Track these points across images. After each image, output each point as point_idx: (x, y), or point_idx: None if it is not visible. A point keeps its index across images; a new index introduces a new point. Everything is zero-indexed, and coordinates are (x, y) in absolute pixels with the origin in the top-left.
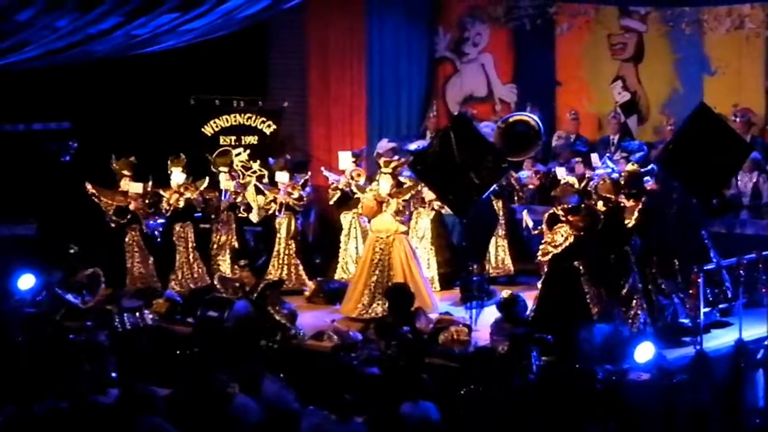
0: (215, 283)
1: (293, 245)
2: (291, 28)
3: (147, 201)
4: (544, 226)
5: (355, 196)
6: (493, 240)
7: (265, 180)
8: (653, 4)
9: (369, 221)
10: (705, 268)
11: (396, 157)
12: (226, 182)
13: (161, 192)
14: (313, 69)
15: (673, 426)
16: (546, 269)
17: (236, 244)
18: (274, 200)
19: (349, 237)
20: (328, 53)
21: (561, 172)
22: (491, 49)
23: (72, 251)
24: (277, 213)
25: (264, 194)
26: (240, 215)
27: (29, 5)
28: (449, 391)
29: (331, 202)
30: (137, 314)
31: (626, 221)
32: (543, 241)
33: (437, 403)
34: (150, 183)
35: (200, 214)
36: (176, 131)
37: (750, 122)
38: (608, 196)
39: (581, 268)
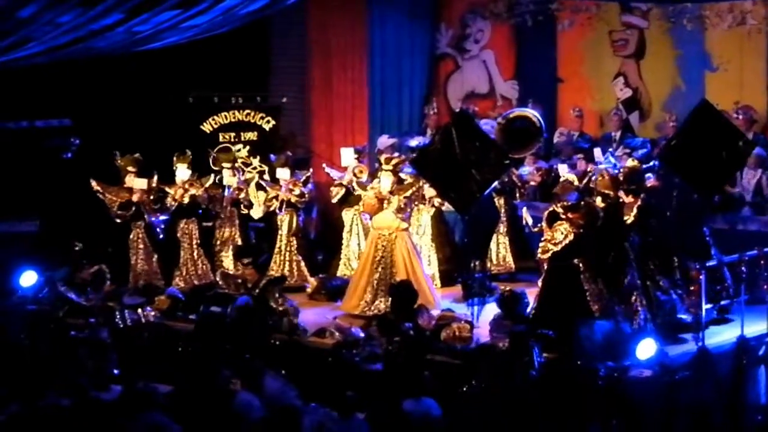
0: (217, 279)
1: (295, 242)
2: (292, 25)
3: (152, 197)
4: (543, 224)
5: (356, 193)
6: (494, 237)
7: (266, 176)
8: (655, 0)
9: (370, 218)
10: (707, 264)
11: (396, 154)
12: (229, 178)
13: (166, 189)
14: (314, 65)
15: (675, 423)
16: (546, 267)
17: (239, 241)
18: (276, 197)
19: (351, 234)
20: (330, 50)
21: (563, 169)
22: (493, 45)
23: (76, 248)
24: (278, 210)
25: (266, 190)
26: (242, 212)
27: (32, 2)
28: (451, 387)
29: (334, 200)
30: (139, 311)
31: (625, 217)
32: (543, 239)
33: (439, 400)
34: (155, 178)
35: (203, 211)
36: (176, 128)
37: (752, 119)
38: (607, 192)
39: (581, 265)
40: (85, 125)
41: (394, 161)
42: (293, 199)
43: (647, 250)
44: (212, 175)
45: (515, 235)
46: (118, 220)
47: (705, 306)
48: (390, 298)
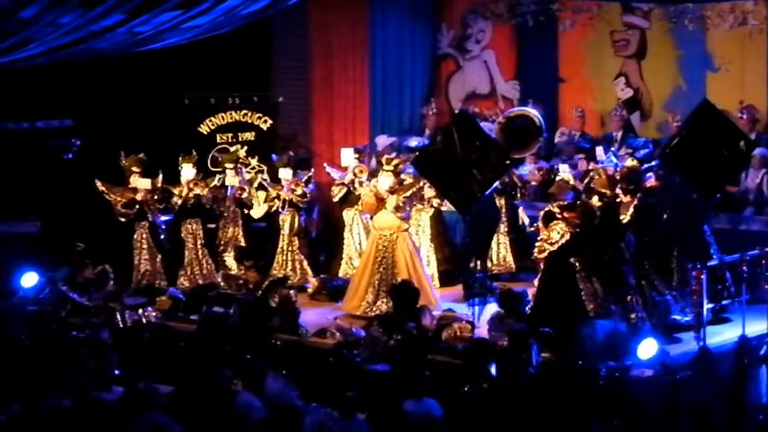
0: (219, 280)
1: (296, 242)
2: (294, 25)
3: (156, 197)
4: (540, 224)
5: (357, 193)
6: (495, 237)
7: (264, 175)
8: (656, 0)
9: (371, 218)
10: (708, 264)
11: (394, 154)
12: (231, 179)
13: (171, 189)
14: (315, 65)
15: (676, 422)
16: (542, 266)
17: (243, 241)
18: (278, 197)
19: (351, 233)
20: (331, 50)
21: (564, 169)
22: (494, 45)
23: (78, 248)
24: (280, 210)
25: (267, 190)
26: (246, 212)
27: (33, 2)
28: (452, 388)
29: (335, 200)
30: (140, 311)
31: (621, 217)
32: (539, 239)
33: (440, 400)
34: (160, 178)
35: (207, 212)
36: (174, 129)
37: (755, 119)
38: (604, 191)
39: (577, 264)
40: (86, 126)
41: (395, 161)
42: (295, 199)
43: (643, 250)
44: (217, 176)
45: (516, 235)
46: (123, 220)
47: (707, 305)
48: (391, 300)
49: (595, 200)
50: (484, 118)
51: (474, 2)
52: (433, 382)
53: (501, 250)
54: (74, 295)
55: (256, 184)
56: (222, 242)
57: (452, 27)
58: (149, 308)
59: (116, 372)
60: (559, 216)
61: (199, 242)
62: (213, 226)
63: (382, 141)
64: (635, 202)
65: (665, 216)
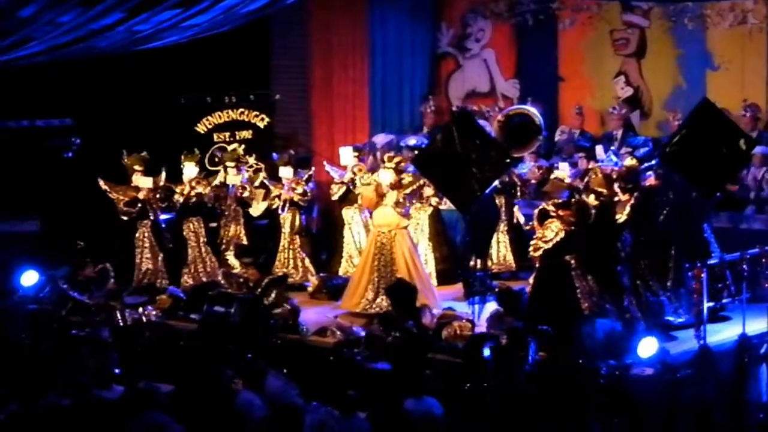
0: (219, 278)
1: (298, 240)
2: (293, 24)
3: (158, 195)
4: (534, 222)
5: (357, 191)
6: (495, 236)
7: (262, 173)
8: None
9: (371, 215)
10: (708, 263)
11: (392, 153)
12: (232, 177)
13: (173, 187)
14: (315, 64)
15: (676, 421)
16: (537, 265)
17: (245, 239)
18: (279, 196)
19: (351, 231)
20: (331, 49)
21: (564, 167)
22: (493, 44)
23: (80, 247)
24: (281, 209)
25: (267, 189)
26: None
27: (32, 1)
28: (452, 386)
29: (334, 198)
30: (140, 310)
31: (618, 216)
32: (534, 237)
33: (440, 399)
34: (163, 176)
35: (208, 210)
36: (172, 129)
37: (757, 117)
38: (600, 189)
39: (573, 262)
40: (86, 125)
41: (396, 159)
42: (296, 198)
43: (640, 249)
44: (219, 174)
45: (516, 233)
46: (125, 218)
47: (707, 304)
48: (389, 298)
49: (591, 199)
50: (481, 115)
51: (474, 1)
52: (433, 380)
53: (501, 249)
54: (75, 294)
55: (257, 183)
56: (224, 241)
57: (452, 26)
58: (149, 307)
59: (116, 371)
60: (554, 214)
61: (201, 240)
62: (215, 225)
63: (381, 139)
64: (632, 201)
65: (664, 215)
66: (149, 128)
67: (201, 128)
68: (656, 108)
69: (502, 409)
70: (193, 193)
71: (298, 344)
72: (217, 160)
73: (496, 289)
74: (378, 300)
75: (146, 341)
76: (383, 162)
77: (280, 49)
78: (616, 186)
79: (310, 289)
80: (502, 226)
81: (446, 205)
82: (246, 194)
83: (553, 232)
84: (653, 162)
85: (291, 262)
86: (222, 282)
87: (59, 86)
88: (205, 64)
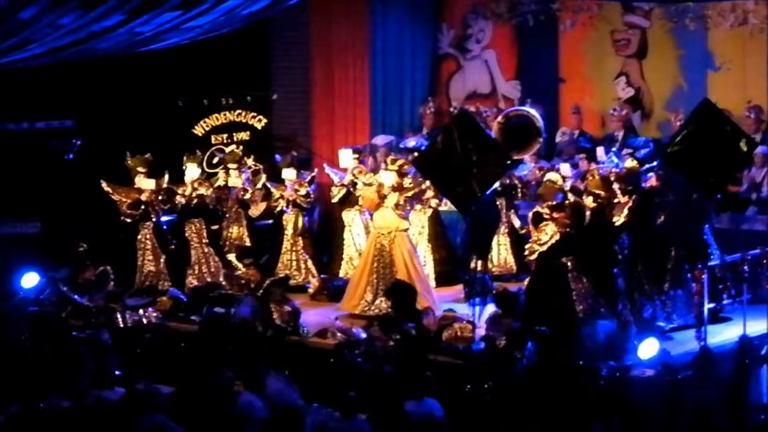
0: (221, 280)
1: (300, 242)
2: (294, 25)
3: (160, 197)
4: (530, 226)
5: (357, 194)
6: (495, 238)
7: (261, 174)
8: (657, 0)
9: (371, 216)
10: (709, 264)
11: (394, 155)
12: (234, 179)
13: (174, 189)
14: (316, 66)
15: (677, 422)
16: (534, 267)
17: (248, 240)
18: (282, 196)
19: (351, 233)
20: (332, 50)
21: (565, 169)
22: (494, 45)
23: (80, 249)
24: (285, 209)
25: (268, 190)
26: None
27: (33, 3)
28: (453, 388)
29: (334, 200)
30: (140, 312)
31: (616, 218)
32: (529, 241)
33: (441, 401)
34: (166, 178)
35: (210, 212)
36: (169, 131)
37: (761, 119)
38: (597, 192)
39: (569, 264)
40: (87, 126)
41: (399, 162)
42: (299, 200)
43: (638, 252)
44: (221, 175)
45: (516, 235)
46: (128, 220)
47: (708, 305)
48: (389, 300)
49: (590, 201)
50: (479, 116)
51: (474, 2)
52: (434, 382)
53: (501, 251)
54: (75, 296)
55: (259, 185)
56: (227, 242)
57: (453, 27)
58: (150, 309)
59: (117, 372)
60: (547, 216)
61: (204, 241)
62: (216, 227)
63: (380, 140)
64: (630, 203)
65: (664, 216)
66: (149, 130)
67: (198, 131)
68: (657, 109)
69: (502, 410)
70: (194, 195)
71: (298, 346)
72: (215, 161)
73: (494, 291)
74: (377, 302)
75: (146, 343)
76: (385, 164)
77: (280, 50)
78: (616, 188)
79: (310, 290)
80: (503, 228)
81: (446, 206)
82: (247, 196)
83: (547, 234)
84: (654, 163)
85: (294, 263)
86: (223, 283)
87: (59, 88)
88: (205, 66)
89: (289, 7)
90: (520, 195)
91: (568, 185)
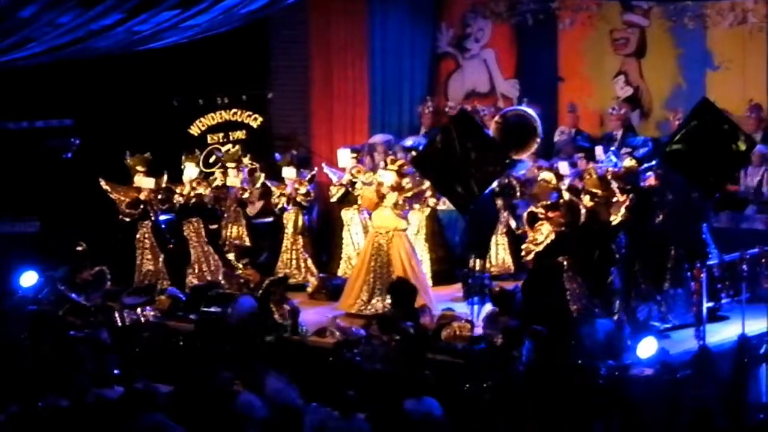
0: (220, 279)
1: (300, 240)
2: (293, 24)
3: (159, 196)
4: (525, 226)
5: (356, 193)
6: (493, 238)
7: (258, 173)
8: None
9: (370, 216)
10: (708, 263)
11: (393, 155)
12: (232, 179)
13: (173, 188)
14: (315, 65)
15: (676, 421)
16: (530, 267)
17: (247, 240)
18: (282, 194)
19: (350, 232)
20: (330, 49)
21: (564, 167)
22: (493, 44)
23: (79, 248)
24: (285, 207)
25: (268, 189)
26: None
27: (32, 2)
28: (452, 387)
29: (333, 200)
30: (138, 311)
31: (613, 217)
32: (525, 241)
33: (440, 399)
34: (165, 177)
35: (209, 212)
36: (167, 131)
37: (761, 118)
38: (595, 191)
39: (565, 263)
40: (85, 125)
41: (399, 162)
42: (299, 198)
43: (636, 251)
44: (219, 175)
45: (514, 235)
46: (127, 219)
47: (707, 304)
48: (389, 297)
49: (587, 200)
50: (476, 115)
51: (474, 1)
52: (433, 381)
53: (500, 251)
54: (72, 295)
55: (258, 184)
56: (227, 242)
57: (452, 26)
58: (148, 308)
59: (115, 371)
60: (542, 216)
61: (203, 239)
62: (215, 226)
63: (378, 139)
64: (627, 202)
65: (662, 215)
66: (147, 129)
67: (194, 130)
68: (656, 108)
69: (501, 409)
70: (193, 195)
71: (297, 345)
72: (212, 161)
73: (490, 290)
74: (373, 301)
75: (145, 342)
76: (385, 163)
77: (279, 49)
78: (614, 187)
79: (309, 289)
80: (501, 228)
81: (445, 205)
82: (246, 195)
83: (543, 234)
84: (653, 162)
85: (294, 262)
86: (222, 282)
87: (58, 87)
88: (204, 65)
89: (287, 5)
90: (518, 194)
91: (565, 184)
